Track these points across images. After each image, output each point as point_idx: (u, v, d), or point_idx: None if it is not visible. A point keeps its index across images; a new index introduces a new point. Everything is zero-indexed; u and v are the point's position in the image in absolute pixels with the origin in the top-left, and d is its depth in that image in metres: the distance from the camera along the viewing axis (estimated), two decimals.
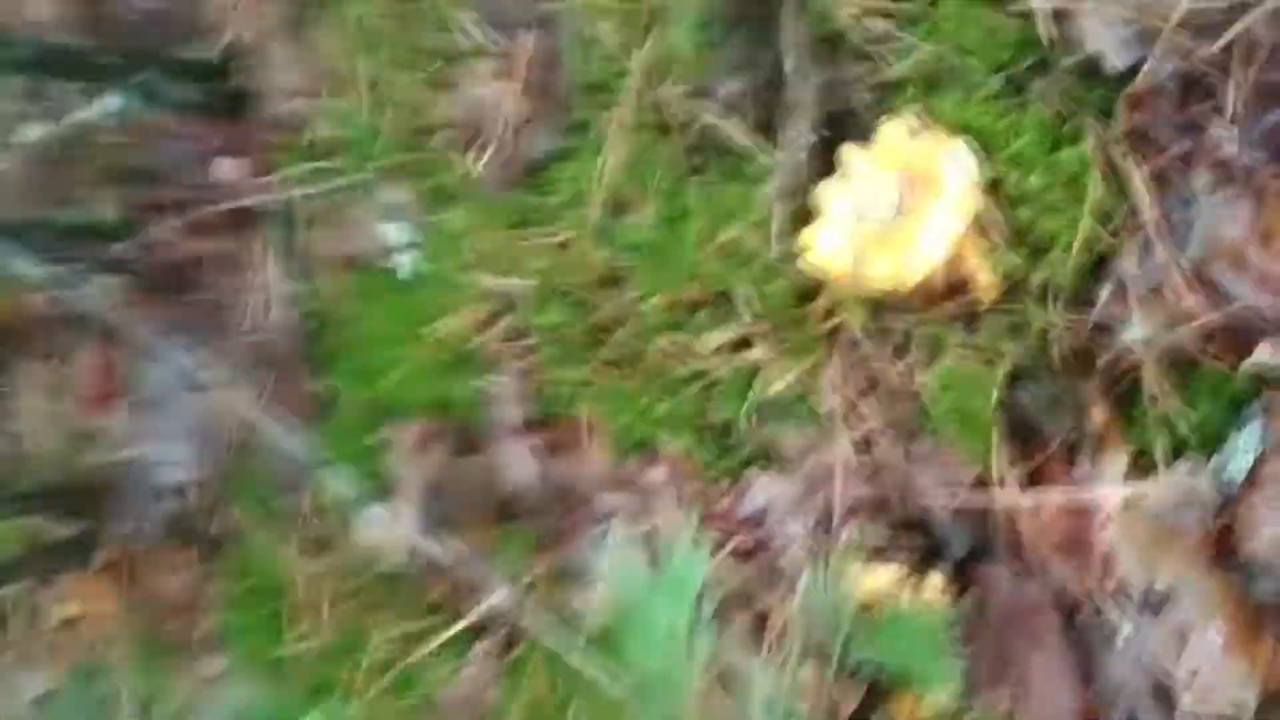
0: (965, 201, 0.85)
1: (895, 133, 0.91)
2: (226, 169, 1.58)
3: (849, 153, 0.93)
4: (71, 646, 1.84)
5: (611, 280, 1.16)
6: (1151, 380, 0.87)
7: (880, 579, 0.93)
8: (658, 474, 1.17)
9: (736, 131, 1.04)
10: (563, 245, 1.18)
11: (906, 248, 0.86)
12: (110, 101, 1.16)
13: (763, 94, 0.99)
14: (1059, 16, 0.90)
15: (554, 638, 1.07)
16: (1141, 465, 0.90)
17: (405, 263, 1.30)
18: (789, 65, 0.90)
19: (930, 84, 0.97)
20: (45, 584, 1.86)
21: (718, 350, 1.09)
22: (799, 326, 1.05)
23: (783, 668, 0.79)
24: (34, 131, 1.14)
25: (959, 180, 0.86)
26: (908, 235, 0.86)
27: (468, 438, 1.34)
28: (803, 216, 1.00)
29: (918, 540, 0.98)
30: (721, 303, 1.09)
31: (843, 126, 1.00)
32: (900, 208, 0.89)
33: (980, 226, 0.90)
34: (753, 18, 0.95)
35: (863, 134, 0.95)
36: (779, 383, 1.06)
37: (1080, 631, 0.89)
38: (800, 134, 0.92)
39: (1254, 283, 0.85)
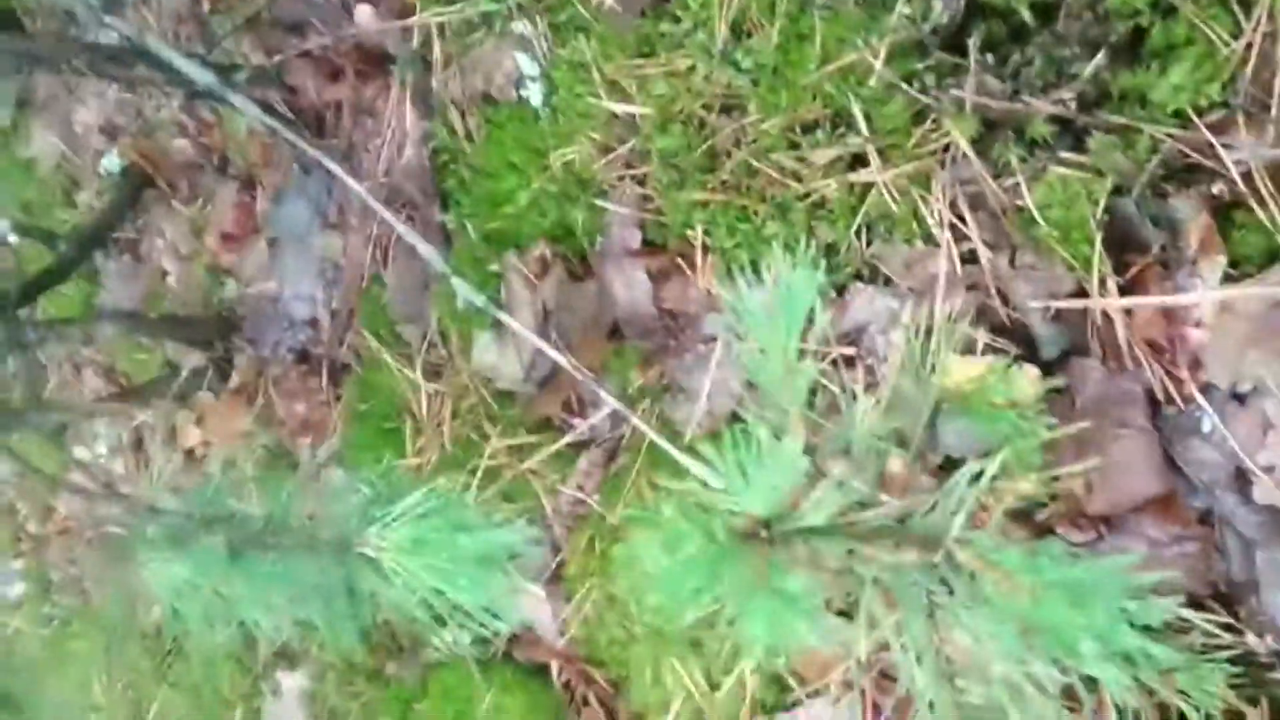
0: None
1: None
2: (366, 16, 1.68)
3: None
4: (205, 465, 2.01)
5: (731, 105, 1.22)
6: (1257, 183, 0.91)
7: (973, 368, 0.98)
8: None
9: None
10: (686, 71, 1.24)
11: None
12: None
13: None
14: None
15: (659, 436, 1.15)
16: (1237, 275, 0.94)
17: (535, 93, 1.38)
18: None
19: None
20: (182, 406, 2.02)
21: (830, 169, 1.15)
22: (911, 145, 1.10)
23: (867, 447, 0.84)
24: None
25: None
26: None
27: (585, 263, 1.43)
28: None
29: (1015, 342, 1.03)
30: (838, 123, 1.15)
31: None
32: None
33: None
34: None
35: None
36: (888, 200, 1.11)
37: (1167, 421, 0.94)
38: None
39: None
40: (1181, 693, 0.94)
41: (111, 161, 2.14)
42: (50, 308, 2.18)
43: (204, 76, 1.25)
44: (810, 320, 0.76)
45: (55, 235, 1.89)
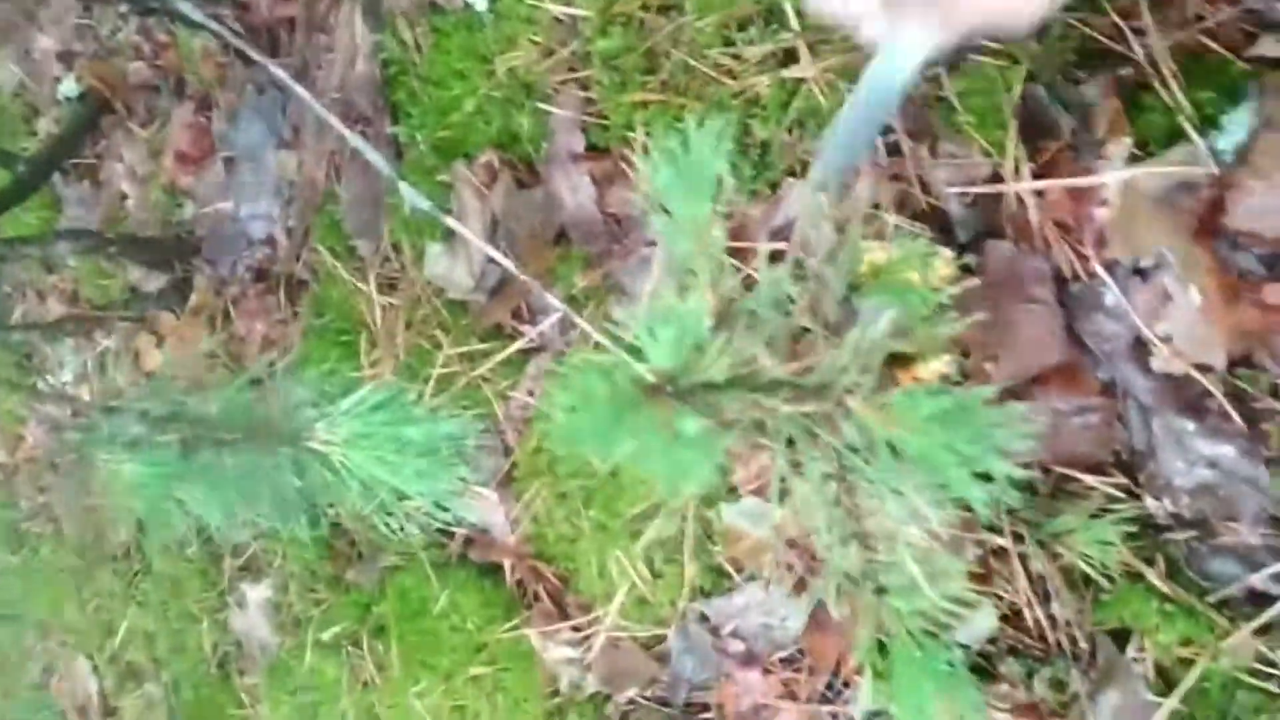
0: None
1: None
2: None
3: None
4: (168, 388, 2.03)
5: (669, 4, 1.24)
6: (1161, 65, 0.94)
7: (889, 252, 1.02)
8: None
9: None
10: None
11: None
12: None
13: None
14: None
15: (603, 337, 1.18)
16: (1142, 155, 0.98)
17: None
18: None
19: None
20: (143, 328, 2.04)
21: (762, 65, 1.17)
22: (839, 39, 1.12)
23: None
24: None
25: None
26: None
27: (531, 170, 1.45)
28: None
29: (933, 227, 1.07)
30: (770, 19, 1.17)
31: None
32: None
33: None
34: None
35: None
36: (818, 95, 1.14)
37: (1072, 297, 0.98)
38: None
39: None
40: (1084, 555, 0.99)
41: (69, 87, 2.14)
42: (10, 231, 2.18)
43: None
44: (719, 185, 0.79)
45: (13, 156, 1.90)
